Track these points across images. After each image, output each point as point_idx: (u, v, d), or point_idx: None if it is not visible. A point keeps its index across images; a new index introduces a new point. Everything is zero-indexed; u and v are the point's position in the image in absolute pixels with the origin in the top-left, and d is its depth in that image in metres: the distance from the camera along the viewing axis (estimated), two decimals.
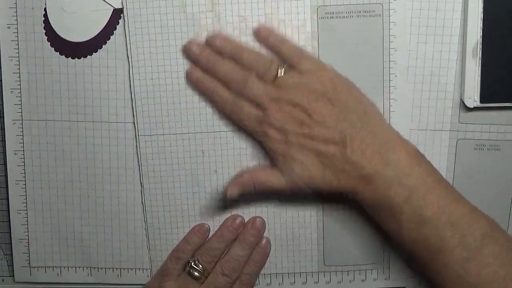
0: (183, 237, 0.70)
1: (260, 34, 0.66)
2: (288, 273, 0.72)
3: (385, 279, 0.71)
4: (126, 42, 0.67)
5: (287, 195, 0.65)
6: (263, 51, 0.66)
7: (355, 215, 0.70)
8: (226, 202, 0.70)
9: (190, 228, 0.70)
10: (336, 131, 0.61)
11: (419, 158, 0.62)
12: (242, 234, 0.69)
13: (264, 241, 0.70)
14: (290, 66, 0.64)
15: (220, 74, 0.65)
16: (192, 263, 0.68)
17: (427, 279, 0.63)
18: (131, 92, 0.68)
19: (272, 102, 0.63)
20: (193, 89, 0.67)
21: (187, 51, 0.67)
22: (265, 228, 0.70)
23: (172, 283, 0.68)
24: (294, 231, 0.71)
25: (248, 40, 0.66)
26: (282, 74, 0.63)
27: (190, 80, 0.67)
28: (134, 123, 0.68)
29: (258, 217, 0.70)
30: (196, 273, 0.68)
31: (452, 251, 0.58)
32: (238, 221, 0.70)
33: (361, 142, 0.61)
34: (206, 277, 0.68)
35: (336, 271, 0.71)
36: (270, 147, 0.64)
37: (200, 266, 0.68)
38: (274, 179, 0.64)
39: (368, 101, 0.64)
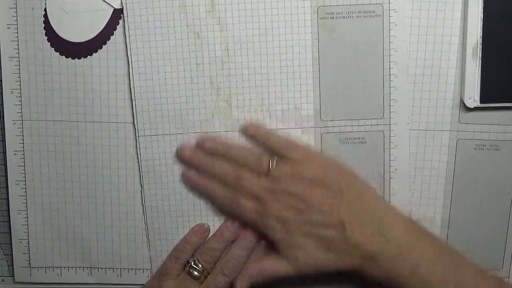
0: (183, 237, 0.70)
1: (248, 131, 0.68)
2: None
3: None
4: (126, 42, 0.67)
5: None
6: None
7: None
8: None
9: (190, 228, 0.70)
10: (333, 215, 0.63)
11: (418, 230, 0.63)
12: (242, 234, 0.69)
13: (264, 241, 0.70)
14: (281, 157, 0.65)
15: (215, 173, 0.67)
16: (192, 263, 0.68)
17: None
18: (131, 92, 0.68)
19: (268, 194, 0.64)
20: (192, 90, 0.68)
21: (179, 156, 0.69)
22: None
23: (172, 282, 0.68)
24: None
25: (248, 35, 0.66)
26: (274, 166, 0.65)
27: (187, 182, 0.69)
28: (134, 123, 0.68)
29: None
30: (195, 273, 0.68)
31: None
32: (237, 223, 0.69)
33: (360, 223, 0.62)
34: (206, 277, 0.68)
35: None
36: (273, 237, 0.65)
37: (200, 265, 0.68)
38: (280, 267, 0.65)
39: (360, 180, 0.66)
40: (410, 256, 0.61)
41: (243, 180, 0.65)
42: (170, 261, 0.70)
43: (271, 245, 0.66)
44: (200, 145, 0.68)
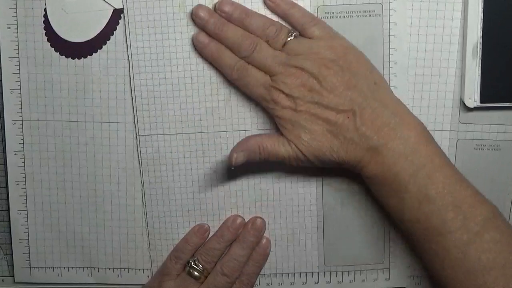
0: (183, 237, 0.70)
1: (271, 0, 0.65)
2: (288, 273, 0.72)
3: (385, 279, 0.71)
4: (126, 42, 0.67)
5: (291, 166, 0.64)
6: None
7: (356, 215, 0.70)
8: (228, 171, 0.69)
9: (190, 228, 0.70)
10: (346, 100, 0.60)
11: (428, 136, 0.61)
12: (242, 234, 0.69)
13: (264, 241, 0.70)
14: (301, 32, 0.63)
15: (228, 39, 0.63)
16: (192, 263, 0.68)
17: (424, 262, 0.63)
18: (131, 92, 0.68)
19: (282, 67, 0.61)
20: (193, 89, 0.68)
21: (194, 17, 0.65)
22: (265, 228, 0.70)
23: (172, 282, 0.68)
24: (295, 231, 0.71)
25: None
26: (292, 40, 0.62)
27: (196, 45, 0.66)
28: (134, 123, 0.68)
29: (258, 217, 0.70)
30: (195, 273, 0.68)
31: (453, 234, 0.58)
32: (238, 221, 0.69)
33: (371, 112, 0.60)
34: (206, 277, 0.68)
35: (336, 271, 0.71)
36: (278, 115, 0.62)
37: (200, 266, 0.68)
38: (281, 147, 0.62)
39: (378, 73, 0.63)
40: (414, 159, 0.59)
41: (257, 50, 0.62)
42: (170, 261, 0.70)
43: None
44: (218, 8, 0.64)
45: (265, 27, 0.63)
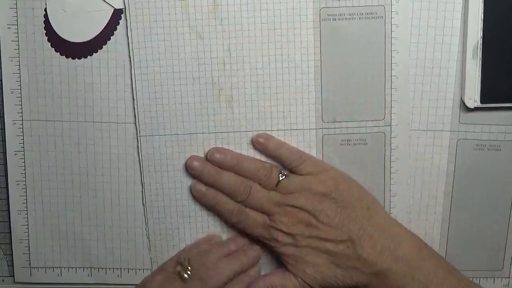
0: (184, 237, 0.70)
1: (259, 143, 0.68)
2: None
3: None
4: (128, 42, 0.67)
5: None
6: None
7: None
8: None
9: (191, 229, 0.70)
10: (343, 231, 0.63)
11: (427, 250, 0.64)
12: (238, 253, 0.69)
13: (257, 268, 0.70)
14: (292, 170, 0.66)
15: (223, 186, 0.66)
16: (184, 263, 0.67)
17: None
18: (132, 92, 0.67)
19: (277, 207, 0.65)
20: (194, 90, 0.67)
21: (188, 168, 0.68)
22: (259, 259, 0.70)
23: (160, 277, 0.67)
24: None
25: (250, 36, 0.66)
26: (284, 179, 0.65)
27: (195, 195, 0.69)
28: (135, 123, 0.68)
29: (256, 248, 0.70)
30: (185, 275, 0.66)
31: None
32: (243, 241, 0.70)
33: (369, 239, 0.63)
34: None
35: None
36: (281, 251, 0.65)
37: (190, 269, 0.67)
38: (288, 282, 0.65)
39: (370, 196, 0.66)
40: (420, 277, 0.62)
41: (251, 194, 0.65)
42: (171, 260, 0.69)
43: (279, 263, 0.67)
44: (209, 157, 0.67)
45: (256, 171, 0.66)
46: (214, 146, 0.68)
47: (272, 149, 0.67)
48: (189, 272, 0.66)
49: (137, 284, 0.72)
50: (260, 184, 0.65)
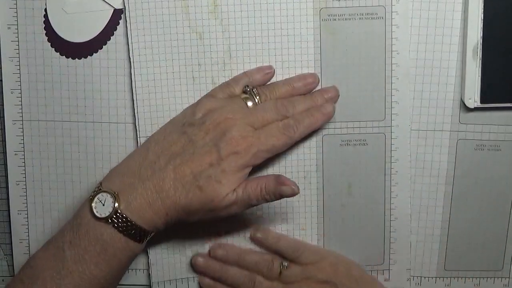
0: (184, 238, 0.71)
1: (258, 238, 0.70)
2: None
3: (384, 280, 0.71)
4: (128, 42, 0.67)
5: None
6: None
7: (357, 218, 0.70)
8: None
9: (191, 230, 0.70)
10: None
11: None
12: (313, 93, 0.66)
13: (331, 106, 0.66)
14: (291, 260, 0.68)
15: (228, 280, 0.69)
16: (251, 91, 0.64)
17: None
18: (132, 92, 0.67)
19: None
20: (194, 90, 0.67)
21: (194, 265, 0.71)
22: (336, 100, 0.67)
23: (224, 101, 0.64)
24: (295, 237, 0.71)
25: (250, 36, 0.66)
26: (285, 270, 0.67)
27: None
28: (134, 123, 0.68)
29: (333, 88, 0.67)
30: (250, 102, 0.63)
31: None
32: (312, 79, 0.66)
33: None
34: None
35: None
36: None
37: (258, 97, 0.64)
38: None
39: (369, 277, 0.69)
40: None
41: (256, 285, 0.68)
42: (219, 86, 0.67)
43: None
44: (212, 254, 0.70)
45: (258, 264, 0.68)
46: None
47: (270, 243, 0.69)
48: (256, 100, 0.64)
49: (137, 285, 0.72)
50: (263, 276, 0.68)
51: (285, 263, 0.67)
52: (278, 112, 0.63)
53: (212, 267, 0.70)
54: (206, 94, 0.66)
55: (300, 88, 0.66)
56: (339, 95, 0.67)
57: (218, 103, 0.63)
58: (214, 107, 0.63)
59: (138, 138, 0.68)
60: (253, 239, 0.70)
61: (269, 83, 0.67)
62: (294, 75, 0.67)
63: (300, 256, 0.67)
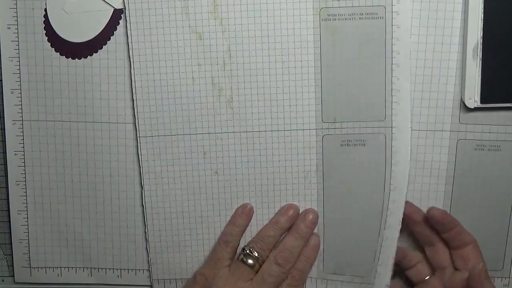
0: (184, 239, 0.70)
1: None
2: None
3: None
4: (128, 42, 0.67)
5: None
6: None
7: (356, 223, 0.70)
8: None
9: (191, 229, 0.70)
10: None
11: None
12: (296, 224, 0.69)
13: (316, 236, 0.70)
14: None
15: None
16: (247, 250, 0.68)
17: None
18: (132, 92, 0.67)
19: None
20: (194, 90, 0.67)
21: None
22: (317, 221, 0.70)
23: (226, 270, 0.68)
24: None
25: (249, 36, 0.66)
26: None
27: None
28: (134, 123, 0.68)
29: (311, 209, 0.70)
30: (250, 260, 0.67)
31: None
32: (292, 210, 0.70)
33: None
34: (261, 265, 0.68)
35: (333, 280, 0.72)
36: None
37: (255, 253, 0.68)
38: None
39: None
40: None
41: None
42: (220, 246, 0.69)
43: None
44: None
45: None
46: (214, 146, 0.68)
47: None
48: (255, 258, 0.68)
49: (136, 285, 0.72)
50: None
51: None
52: (283, 269, 0.67)
53: None
54: (216, 261, 0.69)
55: (285, 224, 0.69)
56: (318, 215, 0.70)
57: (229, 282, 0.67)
58: None
59: (138, 138, 0.68)
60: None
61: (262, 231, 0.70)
62: (293, 74, 0.67)
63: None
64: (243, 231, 0.70)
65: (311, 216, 0.69)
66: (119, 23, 0.67)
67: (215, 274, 0.68)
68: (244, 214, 0.70)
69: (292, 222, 0.69)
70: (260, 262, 0.68)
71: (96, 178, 0.71)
